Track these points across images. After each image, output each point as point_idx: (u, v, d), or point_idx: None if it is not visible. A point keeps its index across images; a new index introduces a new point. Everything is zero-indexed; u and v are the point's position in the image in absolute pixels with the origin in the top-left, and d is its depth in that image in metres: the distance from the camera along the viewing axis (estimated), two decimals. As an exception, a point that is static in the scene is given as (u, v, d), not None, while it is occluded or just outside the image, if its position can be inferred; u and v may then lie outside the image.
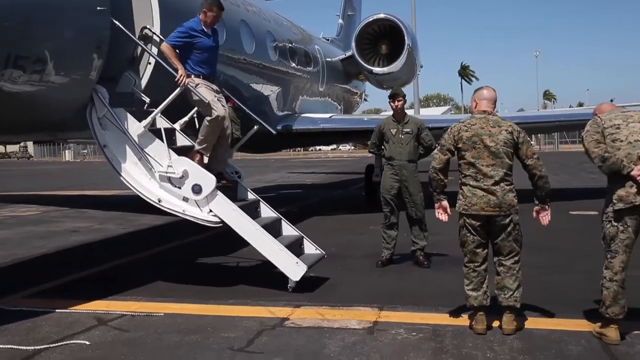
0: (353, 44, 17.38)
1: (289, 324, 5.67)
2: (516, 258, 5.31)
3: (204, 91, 7.09)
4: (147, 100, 7.42)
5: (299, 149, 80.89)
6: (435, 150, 5.57)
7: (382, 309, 6.02)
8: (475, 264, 5.33)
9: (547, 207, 5.27)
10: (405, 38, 16.95)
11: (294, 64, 13.61)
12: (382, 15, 17.49)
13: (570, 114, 21.02)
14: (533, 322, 5.46)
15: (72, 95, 6.62)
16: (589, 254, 7.65)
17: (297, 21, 16.16)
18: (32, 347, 5.08)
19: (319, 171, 33.76)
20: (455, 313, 5.72)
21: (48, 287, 7.29)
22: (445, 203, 5.41)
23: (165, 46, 7.18)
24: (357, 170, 17.71)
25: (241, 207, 7.11)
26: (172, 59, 7.13)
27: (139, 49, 7.62)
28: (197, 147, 7.22)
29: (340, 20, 23.25)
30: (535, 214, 5.30)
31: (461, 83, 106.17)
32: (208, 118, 7.12)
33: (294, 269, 6.71)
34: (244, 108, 8.02)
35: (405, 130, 7.91)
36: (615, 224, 4.93)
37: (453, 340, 5.10)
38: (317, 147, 75.60)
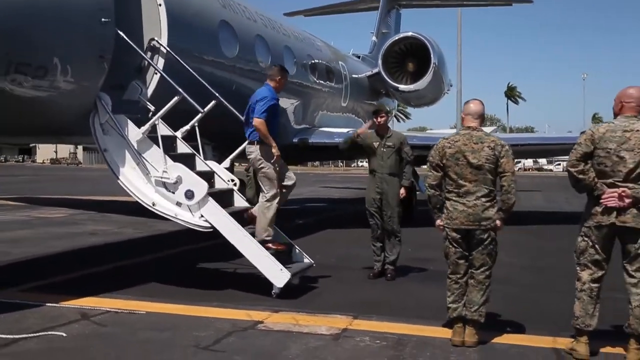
0: (380, 61, 17.62)
1: (260, 327, 5.85)
2: (487, 273, 5.41)
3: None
4: (152, 108, 7.74)
5: (341, 164, 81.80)
6: (428, 167, 5.67)
7: (356, 318, 6.15)
8: (457, 276, 5.45)
9: (504, 219, 5.37)
10: (432, 56, 17.08)
11: (313, 79, 13.85)
12: (410, 34, 17.70)
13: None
14: (499, 337, 5.53)
15: (75, 101, 6.96)
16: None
17: (332, 37, 16.47)
18: (12, 336, 5.36)
19: (353, 186, 33.85)
20: (432, 324, 5.82)
21: (47, 283, 7.61)
22: (439, 222, 5.53)
23: (259, 122, 7.24)
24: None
25: (234, 214, 7.35)
26: (268, 136, 7.26)
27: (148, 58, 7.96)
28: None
29: (374, 38, 23.44)
30: (499, 222, 5.39)
31: (507, 104, 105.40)
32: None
33: (278, 275, 6.90)
34: (238, 115, 8.21)
35: (387, 144, 8.14)
36: (586, 239, 5.01)
37: (413, 349, 5.20)
38: (360, 162, 75.84)
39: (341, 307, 6.56)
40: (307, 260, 7.59)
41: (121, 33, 7.18)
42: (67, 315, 6.12)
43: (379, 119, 8.24)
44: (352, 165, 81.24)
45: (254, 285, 7.32)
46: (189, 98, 7.32)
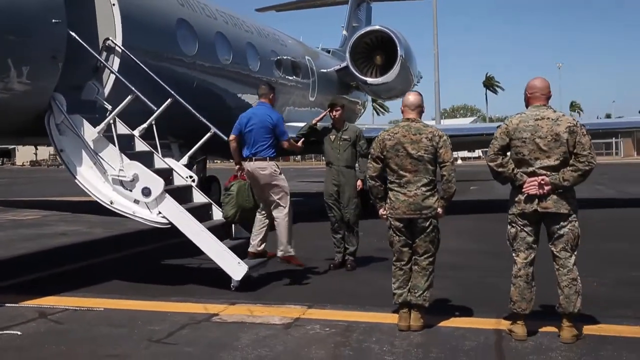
0: (347, 55, 17.73)
1: (215, 319, 5.97)
2: (431, 259, 5.57)
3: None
4: (109, 107, 7.81)
5: (323, 158, 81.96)
6: (369, 160, 5.83)
7: (311, 307, 6.29)
8: (402, 263, 5.62)
9: (444, 207, 5.55)
10: (398, 49, 17.22)
11: (278, 74, 13.95)
12: (376, 27, 17.85)
13: (597, 123, 20.97)
14: (446, 321, 5.70)
15: (28, 102, 7.03)
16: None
17: (304, 32, 16.56)
18: (-33, 336, 5.45)
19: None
20: (384, 311, 5.97)
21: (9, 284, 7.65)
22: (382, 211, 5.70)
23: (291, 143, 7.84)
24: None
25: (192, 210, 7.47)
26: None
27: (103, 58, 8.03)
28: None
29: (345, 32, 23.53)
30: (440, 210, 5.54)
31: (486, 94, 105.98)
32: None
33: (236, 268, 7.02)
34: (199, 116, 8.34)
35: (343, 137, 8.33)
36: (515, 225, 5.23)
37: (360, 335, 5.35)
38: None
39: (298, 297, 6.69)
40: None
41: (73, 33, 7.25)
42: (25, 315, 6.19)
43: (334, 113, 8.41)
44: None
45: (215, 279, 7.40)
46: (142, 96, 7.40)
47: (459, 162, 71.11)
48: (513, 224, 5.24)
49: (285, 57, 14.60)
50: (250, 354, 4.95)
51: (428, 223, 5.48)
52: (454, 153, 6.87)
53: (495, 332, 5.36)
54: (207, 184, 17.17)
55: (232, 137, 7.56)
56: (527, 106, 5.32)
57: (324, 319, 5.86)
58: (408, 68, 17.93)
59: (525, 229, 5.19)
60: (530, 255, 5.20)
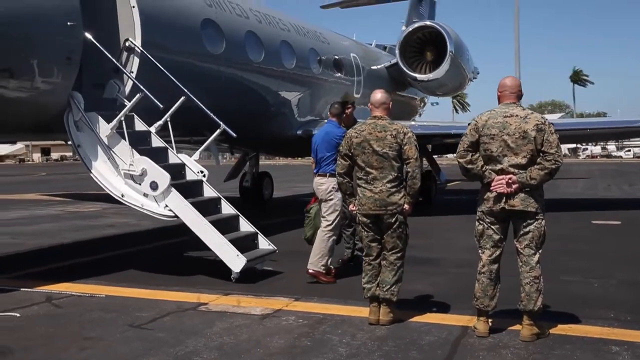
0: (397, 51, 17.75)
1: (201, 308, 6.24)
2: (399, 254, 5.64)
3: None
4: (129, 105, 8.22)
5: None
6: (338, 157, 5.94)
7: (298, 299, 6.47)
8: (370, 258, 5.72)
9: (411, 203, 5.61)
10: (448, 45, 17.07)
11: (317, 71, 14.12)
12: (426, 23, 17.77)
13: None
14: (420, 316, 5.75)
15: (46, 101, 7.51)
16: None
17: (368, 28, 16.59)
18: (-31, 317, 5.93)
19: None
20: (366, 305, 5.98)
21: (35, 271, 8.17)
22: (352, 207, 5.83)
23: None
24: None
25: (201, 203, 7.79)
26: None
27: (123, 58, 8.48)
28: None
29: (404, 28, 23.43)
30: (407, 206, 5.60)
31: (573, 89, 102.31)
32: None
33: (235, 261, 7.28)
34: (209, 113, 8.63)
35: None
36: (482, 222, 5.25)
37: (328, 327, 5.49)
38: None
39: (292, 290, 6.86)
40: (270, 246, 7.93)
41: (89, 35, 7.67)
42: (33, 299, 6.65)
43: (346, 111, 8.45)
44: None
45: (223, 271, 7.69)
46: (149, 95, 7.76)
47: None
48: (480, 221, 5.26)
49: (326, 55, 14.75)
50: (215, 341, 5.18)
51: (394, 219, 5.54)
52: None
53: (462, 329, 5.38)
54: (260, 179, 17.65)
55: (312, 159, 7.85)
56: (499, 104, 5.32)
57: (303, 311, 6.02)
58: (459, 64, 17.76)
59: (492, 226, 5.19)
60: (494, 252, 5.20)
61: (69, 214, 15.93)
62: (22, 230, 12.62)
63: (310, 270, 7.33)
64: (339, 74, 15.33)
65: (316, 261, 7.35)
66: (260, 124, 12.38)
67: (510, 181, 4.99)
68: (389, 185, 5.53)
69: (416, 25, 17.84)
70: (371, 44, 20.49)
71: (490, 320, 5.28)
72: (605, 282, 7.20)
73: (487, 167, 5.14)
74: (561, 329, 5.30)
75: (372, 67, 17.62)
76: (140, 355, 4.84)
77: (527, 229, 5.09)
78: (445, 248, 9.84)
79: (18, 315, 6.02)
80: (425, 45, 17.95)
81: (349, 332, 5.33)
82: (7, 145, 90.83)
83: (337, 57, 15.29)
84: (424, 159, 15.36)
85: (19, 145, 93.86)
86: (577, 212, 14.84)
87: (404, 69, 17.60)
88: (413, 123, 16.49)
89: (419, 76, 17.68)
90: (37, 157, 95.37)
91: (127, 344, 5.14)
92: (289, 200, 19.53)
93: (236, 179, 17.64)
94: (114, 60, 7.84)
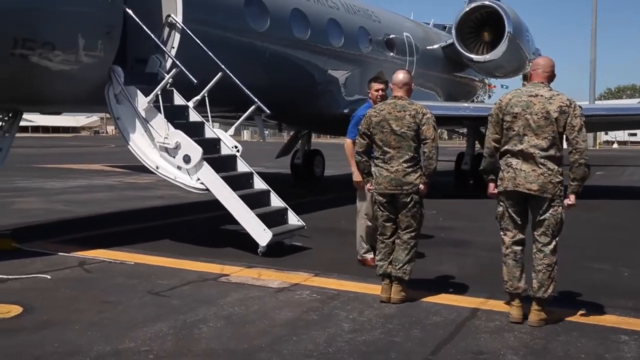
0: (453, 32, 17.45)
1: (222, 279, 6.39)
2: (413, 234, 5.64)
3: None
4: (170, 80, 8.42)
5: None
6: (357, 136, 5.96)
7: (317, 275, 6.55)
8: (384, 237, 5.75)
9: (426, 183, 5.60)
10: (506, 25, 16.66)
11: (366, 50, 14.04)
12: (485, 2, 17.33)
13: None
14: (434, 296, 5.75)
15: (87, 74, 7.75)
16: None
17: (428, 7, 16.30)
18: (7, 276, 6.23)
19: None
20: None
21: (76, 237, 8.51)
22: (368, 186, 5.89)
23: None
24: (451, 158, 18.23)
25: (233, 178, 7.95)
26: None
27: (165, 34, 8.68)
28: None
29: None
30: (422, 186, 5.59)
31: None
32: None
33: (261, 235, 7.42)
34: (245, 90, 8.74)
35: None
36: (502, 204, 5.18)
37: (338, 303, 5.56)
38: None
39: (314, 266, 6.93)
40: (299, 222, 8.02)
41: (129, 11, 7.87)
42: (67, 263, 6.96)
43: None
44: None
45: (252, 245, 7.81)
46: (185, 70, 7.92)
47: (615, 146, 66.47)
48: (500, 203, 5.20)
49: (377, 33, 14.63)
50: (225, 310, 5.32)
51: (409, 199, 5.54)
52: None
53: (472, 311, 5.35)
54: (311, 156, 17.81)
55: None
56: None
57: (319, 286, 6.10)
58: (518, 44, 17.32)
59: (509, 209, 5.12)
60: (517, 235, 5.13)
61: (125, 185, 16.47)
62: (76, 198, 13.15)
63: (360, 257, 7.16)
64: (391, 54, 15.20)
65: (359, 248, 7.17)
66: (305, 102, 12.43)
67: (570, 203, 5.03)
68: (405, 165, 5.52)
69: (474, 4, 17.46)
70: (429, 24, 20.19)
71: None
72: (637, 271, 6.99)
73: (506, 147, 5.06)
74: (574, 316, 5.20)
75: (428, 47, 17.38)
76: (150, 320, 5.02)
77: (543, 217, 5.00)
78: (481, 231, 9.71)
79: (49, 277, 6.31)
80: (483, 25, 17.56)
81: (357, 309, 5.38)
82: (84, 117, 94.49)
83: (389, 36, 15.15)
84: (476, 141, 15.15)
85: (95, 118, 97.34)
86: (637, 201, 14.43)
87: (460, 49, 17.29)
88: (466, 105, 16.23)
89: (475, 57, 17.35)
90: (111, 129, 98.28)
91: (141, 309, 5.34)
92: (340, 179, 19.60)
93: (288, 156, 17.86)
94: (151, 34, 8.02)
